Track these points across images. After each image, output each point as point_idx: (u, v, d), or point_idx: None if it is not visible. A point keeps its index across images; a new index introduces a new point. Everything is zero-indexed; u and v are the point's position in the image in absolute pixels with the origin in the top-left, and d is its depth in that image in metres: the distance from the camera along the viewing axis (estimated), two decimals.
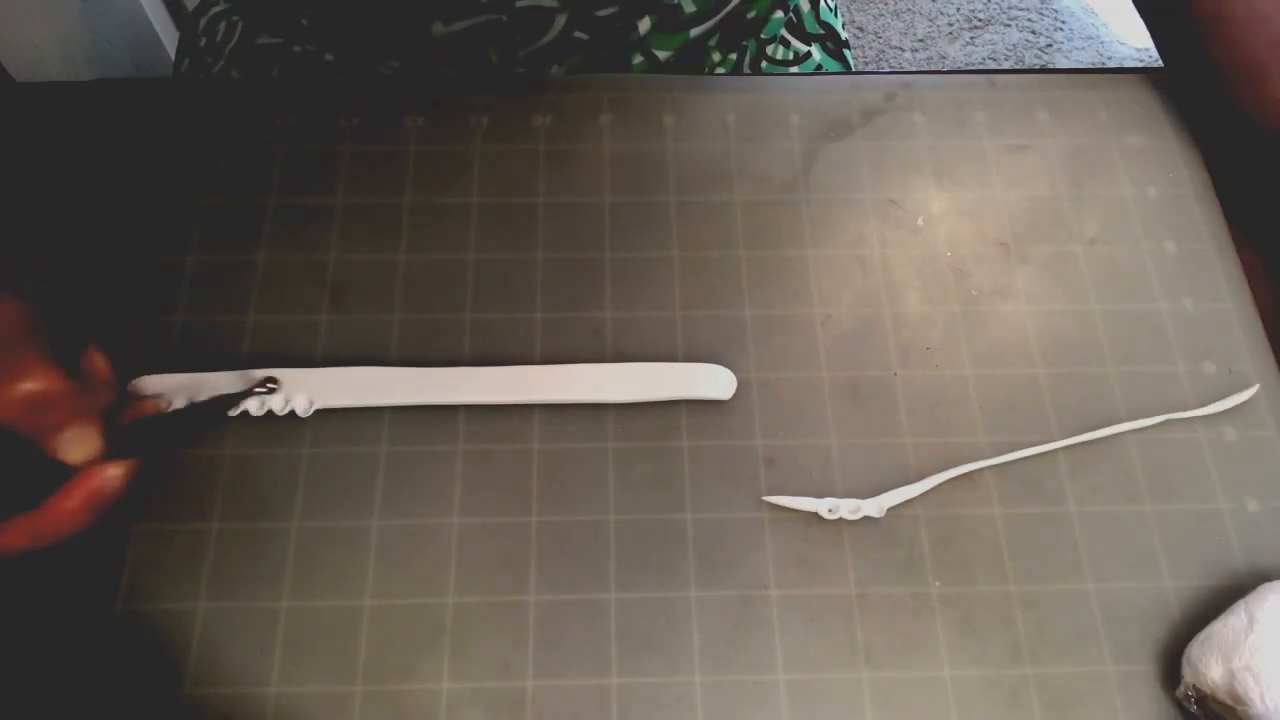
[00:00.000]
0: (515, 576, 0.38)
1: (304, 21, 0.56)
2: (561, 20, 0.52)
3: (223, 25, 0.61)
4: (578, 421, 0.41)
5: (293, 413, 0.41)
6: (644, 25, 0.54)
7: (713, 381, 0.42)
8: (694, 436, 0.41)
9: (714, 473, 0.41)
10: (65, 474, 0.33)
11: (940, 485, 0.40)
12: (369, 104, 0.49)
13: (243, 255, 0.45)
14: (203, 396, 0.39)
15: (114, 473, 0.34)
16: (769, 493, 0.40)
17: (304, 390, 0.41)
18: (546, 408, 0.42)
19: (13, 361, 0.33)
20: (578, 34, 0.53)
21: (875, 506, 0.40)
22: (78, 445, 0.34)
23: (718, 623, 0.38)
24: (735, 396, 0.42)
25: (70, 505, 0.33)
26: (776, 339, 0.44)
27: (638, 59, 0.55)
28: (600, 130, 0.49)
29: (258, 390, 0.39)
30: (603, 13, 0.52)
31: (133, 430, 0.36)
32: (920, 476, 0.40)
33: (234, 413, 0.40)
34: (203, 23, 0.62)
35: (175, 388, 0.40)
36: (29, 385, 0.32)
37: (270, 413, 0.41)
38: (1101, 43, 1.49)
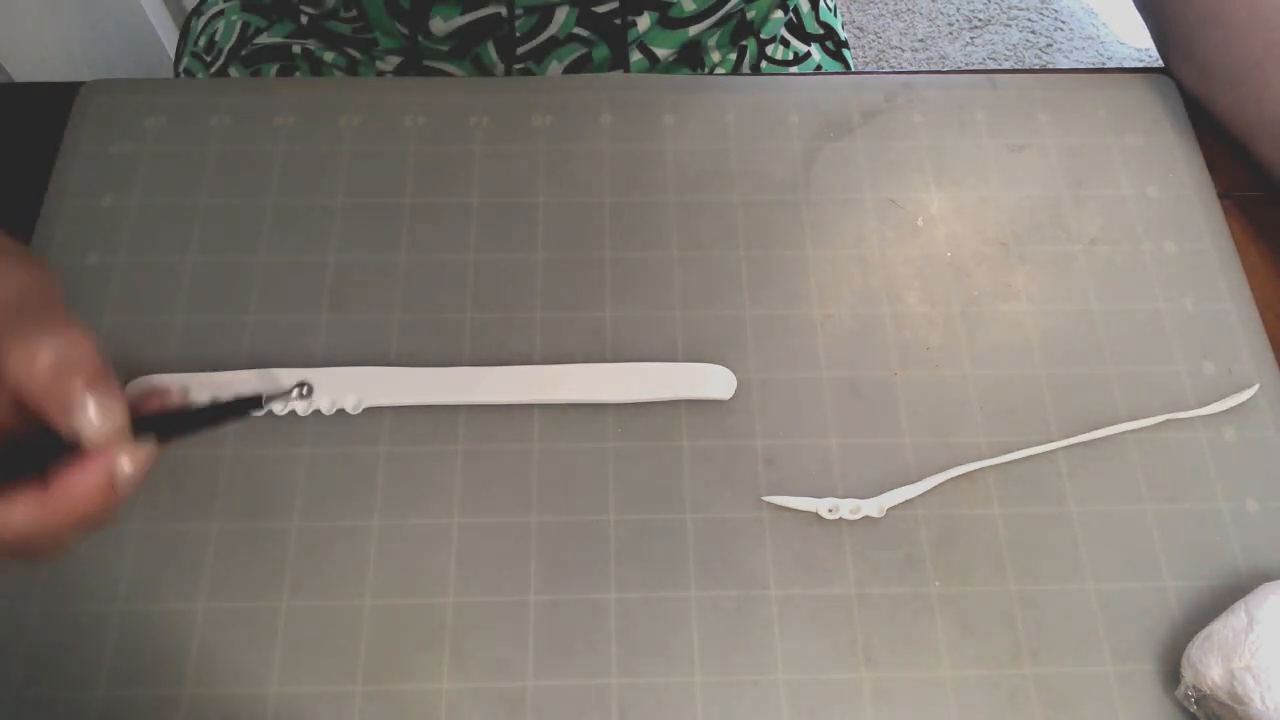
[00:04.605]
0: (515, 576, 0.38)
1: (303, 19, 0.56)
2: (561, 15, 0.52)
3: (222, 25, 0.61)
4: (578, 421, 0.41)
5: (293, 412, 0.41)
6: (643, 23, 0.54)
7: (713, 381, 0.42)
8: (694, 436, 0.41)
9: (714, 473, 0.41)
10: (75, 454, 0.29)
11: (940, 485, 0.40)
12: (369, 104, 0.49)
13: (243, 255, 0.45)
14: (227, 396, 0.34)
15: (135, 452, 0.29)
16: (769, 493, 0.40)
17: None
18: (546, 408, 0.42)
19: (38, 318, 0.29)
20: (577, 30, 0.53)
21: (875, 506, 0.40)
22: (101, 418, 0.28)
23: (718, 623, 0.38)
24: (735, 396, 0.42)
25: (85, 481, 0.28)
26: (776, 339, 0.43)
27: (637, 56, 0.55)
28: (600, 130, 0.48)
29: (294, 395, 0.36)
30: (602, 9, 0.52)
31: (154, 420, 0.31)
32: (920, 476, 0.40)
33: (259, 413, 0.36)
34: (202, 22, 0.62)
35: (198, 386, 0.39)
36: (54, 342, 0.28)
37: (270, 412, 0.41)
38: (1101, 43, 1.49)
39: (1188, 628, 0.38)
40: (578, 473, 0.40)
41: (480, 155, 0.48)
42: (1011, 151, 0.49)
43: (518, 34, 0.53)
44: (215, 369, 0.41)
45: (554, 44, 0.53)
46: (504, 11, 0.51)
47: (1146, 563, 0.39)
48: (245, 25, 0.59)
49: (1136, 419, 0.42)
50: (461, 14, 0.51)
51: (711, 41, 0.57)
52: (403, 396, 0.41)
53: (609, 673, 0.37)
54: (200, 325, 0.43)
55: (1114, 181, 0.48)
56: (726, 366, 0.42)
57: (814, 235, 0.46)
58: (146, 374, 0.41)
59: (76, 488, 0.28)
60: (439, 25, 0.52)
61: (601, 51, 0.54)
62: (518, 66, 0.54)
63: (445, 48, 0.53)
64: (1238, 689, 0.33)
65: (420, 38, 0.53)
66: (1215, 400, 0.42)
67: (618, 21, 0.53)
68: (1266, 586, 0.36)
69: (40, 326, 0.28)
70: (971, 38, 1.48)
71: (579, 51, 0.54)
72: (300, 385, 0.36)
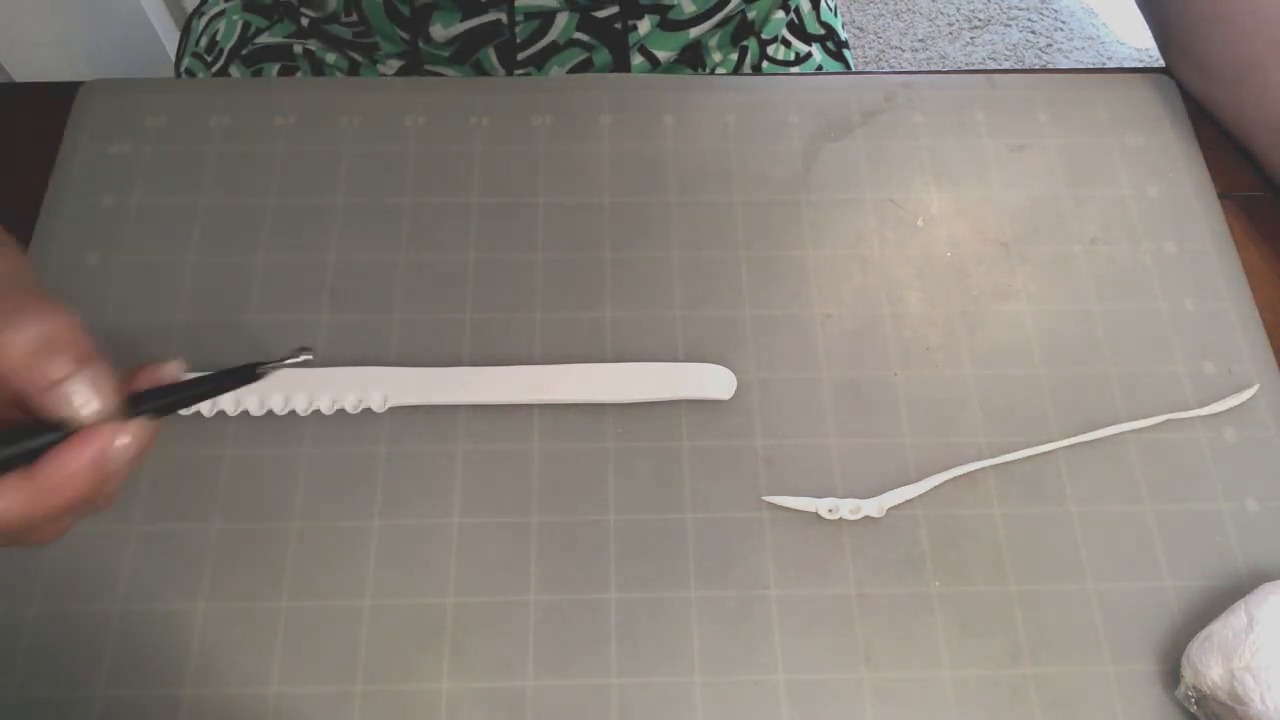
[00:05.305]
0: (515, 576, 0.38)
1: (304, 21, 0.56)
2: (562, 20, 0.52)
3: (222, 25, 0.61)
4: (578, 421, 0.41)
5: (293, 412, 0.41)
6: (644, 26, 0.54)
7: (713, 381, 0.42)
8: (694, 436, 0.41)
9: (714, 473, 0.41)
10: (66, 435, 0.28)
11: (940, 485, 0.40)
12: (369, 104, 0.49)
13: (243, 255, 0.45)
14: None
15: (125, 431, 0.28)
16: (769, 493, 0.40)
17: (304, 390, 0.41)
18: (546, 408, 0.42)
19: (16, 302, 0.28)
20: (578, 35, 0.53)
21: (875, 506, 0.40)
22: (84, 398, 0.27)
23: (718, 623, 0.38)
24: (735, 396, 0.42)
25: (70, 463, 0.27)
26: (776, 339, 0.43)
27: (638, 60, 0.55)
28: (600, 130, 0.48)
29: (293, 360, 0.34)
30: (603, 13, 0.52)
31: (151, 395, 0.30)
32: (920, 476, 0.40)
33: (255, 381, 0.34)
34: (204, 22, 0.62)
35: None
36: (34, 323, 0.27)
37: (270, 412, 0.41)
38: (1101, 43, 1.49)
39: (1188, 628, 0.38)
40: (578, 473, 0.40)
41: (480, 155, 0.48)
42: (1011, 151, 0.49)
43: (518, 40, 0.53)
44: (216, 369, 0.41)
45: (554, 49, 0.53)
46: (504, 18, 0.51)
47: (1146, 563, 0.39)
48: (246, 25, 0.60)
49: (1136, 419, 0.42)
50: (462, 20, 0.51)
51: (712, 42, 0.57)
52: (403, 396, 0.41)
53: (609, 673, 0.37)
54: (200, 325, 0.43)
55: (1114, 181, 0.48)
56: (726, 366, 0.42)
57: (814, 235, 0.46)
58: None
59: (63, 470, 0.27)
60: (439, 31, 0.52)
61: (602, 56, 0.54)
62: (519, 72, 0.54)
63: (446, 53, 0.53)
64: (1238, 689, 0.33)
65: (421, 43, 0.53)
66: (1215, 400, 0.42)
67: (618, 26, 0.53)
68: (1266, 586, 0.36)
69: (19, 310, 0.27)
70: (971, 38, 1.48)
71: (580, 56, 0.54)
72: (300, 349, 0.34)
